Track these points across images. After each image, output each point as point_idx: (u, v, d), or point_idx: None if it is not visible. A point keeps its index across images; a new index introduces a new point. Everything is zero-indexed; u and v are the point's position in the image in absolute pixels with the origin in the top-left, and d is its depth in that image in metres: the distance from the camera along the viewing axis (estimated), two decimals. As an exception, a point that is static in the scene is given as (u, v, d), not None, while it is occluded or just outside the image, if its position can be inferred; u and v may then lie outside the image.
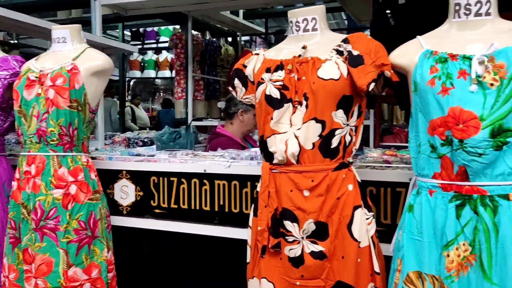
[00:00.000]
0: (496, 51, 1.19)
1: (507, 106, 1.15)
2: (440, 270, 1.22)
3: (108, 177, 2.02)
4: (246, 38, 6.83)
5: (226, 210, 1.85)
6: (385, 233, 1.58)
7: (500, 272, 1.16)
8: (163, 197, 1.94)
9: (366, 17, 3.93)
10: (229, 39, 5.64)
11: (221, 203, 1.86)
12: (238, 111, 2.81)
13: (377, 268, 1.37)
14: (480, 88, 1.18)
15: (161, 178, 1.94)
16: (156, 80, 9.62)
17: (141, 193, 1.98)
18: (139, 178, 1.99)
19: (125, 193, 2.00)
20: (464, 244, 1.20)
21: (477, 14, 1.28)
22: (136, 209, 1.99)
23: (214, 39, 5.04)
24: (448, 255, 1.21)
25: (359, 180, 1.44)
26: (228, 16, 4.74)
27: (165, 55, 8.35)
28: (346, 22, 7.39)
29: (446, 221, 1.22)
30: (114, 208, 2.01)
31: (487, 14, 1.27)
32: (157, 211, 1.95)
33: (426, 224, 1.26)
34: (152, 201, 1.96)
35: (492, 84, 1.17)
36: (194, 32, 4.91)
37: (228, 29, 5.31)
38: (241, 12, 5.10)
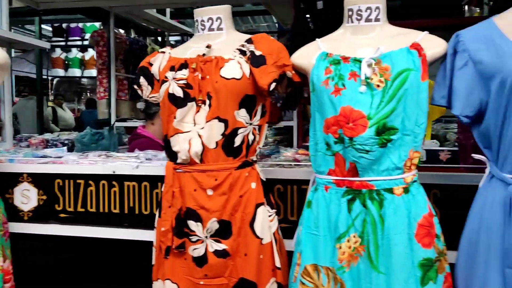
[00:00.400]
0: (382, 54, 1.27)
1: (390, 106, 1.23)
2: (334, 261, 1.28)
3: (7, 181, 1.88)
4: (178, 38, 6.74)
5: (136, 212, 1.81)
6: (291, 229, 1.62)
7: (385, 261, 1.23)
8: (69, 200, 1.85)
9: (291, 21, 4.04)
10: (159, 38, 5.52)
11: (131, 205, 1.81)
12: (158, 111, 2.75)
13: (278, 264, 1.41)
14: (369, 89, 1.26)
15: (66, 181, 1.85)
16: (82, 79, 9.17)
17: (44, 197, 1.87)
18: (42, 181, 1.88)
19: (26, 197, 1.88)
20: (354, 236, 1.27)
21: (368, 19, 1.36)
22: (39, 214, 1.88)
23: (140, 38, 4.92)
24: (340, 247, 1.27)
25: (263, 178, 1.47)
26: (154, 15, 4.64)
27: (92, 53, 7.97)
28: (277, 25, 7.55)
29: (339, 215, 1.29)
30: (14, 214, 1.88)
31: (377, 20, 1.36)
32: (62, 215, 1.85)
33: (322, 218, 1.32)
34: (56, 205, 1.86)
35: (378, 86, 1.25)
36: (121, 31, 4.75)
37: (155, 28, 5.21)
38: (168, 11, 5.03)
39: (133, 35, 4.77)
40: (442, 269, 1.27)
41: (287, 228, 1.61)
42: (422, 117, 1.26)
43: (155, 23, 4.95)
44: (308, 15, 3.34)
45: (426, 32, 1.33)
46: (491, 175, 1.25)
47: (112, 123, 4.08)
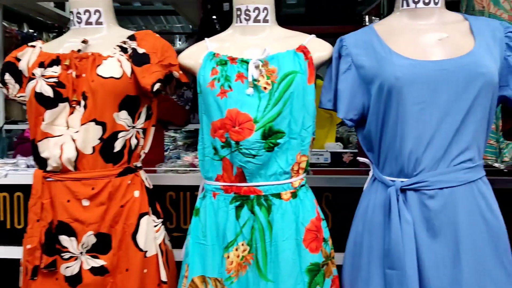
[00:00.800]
0: (269, 56, 1.24)
1: (276, 109, 1.20)
2: (222, 272, 1.22)
3: None
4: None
5: (8, 226, 1.59)
6: (184, 238, 1.54)
7: (274, 268, 1.20)
8: None
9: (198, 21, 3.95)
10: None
11: (1, 218, 1.59)
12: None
13: (164, 277, 1.31)
14: (256, 91, 1.22)
15: None
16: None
17: None
18: None
19: None
20: (242, 244, 1.22)
21: (256, 20, 1.32)
22: None
23: (35, 33, 4.49)
24: (228, 257, 1.21)
25: (148, 186, 1.37)
26: (51, 9, 4.27)
27: (-18, 49, 7.16)
28: (190, 27, 7.41)
29: (227, 222, 1.22)
30: None
31: (265, 21, 1.33)
32: None
33: (209, 227, 1.25)
34: None
35: (265, 88, 1.22)
36: (15, 26, 4.30)
37: (53, 23, 4.80)
38: (68, 5, 4.67)
39: (26, 29, 4.34)
40: (330, 272, 1.27)
41: (180, 237, 1.52)
42: (309, 120, 1.25)
43: (53, 18, 4.56)
44: (214, 17, 3.30)
45: (313, 36, 1.32)
46: (373, 177, 1.27)
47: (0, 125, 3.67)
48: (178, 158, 2.15)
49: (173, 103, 3.06)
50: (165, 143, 3.42)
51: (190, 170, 1.74)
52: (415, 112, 1.12)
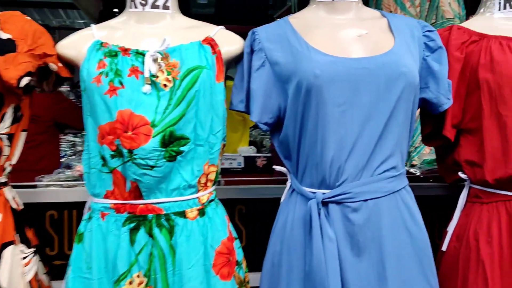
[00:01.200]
0: (170, 48, 1.04)
1: (178, 110, 1.01)
2: (112, 312, 0.98)
3: None
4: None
5: None
6: (69, 267, 1.27)
7: (178, 302, 1.00)
8: None
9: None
10: None
11: None
12: None
13: (35, 323, 1.04)
14: (154, 89, 1.01)
15: None
16: None
17: None
18: None
19: None
20: (138, 276, 1.00)
21: (154, 6, 1.12)
22: None
23: None
24: (120, 293, 0.98)
25: (17, 207, 1.09)
26: None
27: None
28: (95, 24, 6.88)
29: (118, 250, 1.00)
30: None
31: (165, 7, 1.13)
32: None
33: (96, 256, 1.01)
34: None
35: (165, 85, 1.02)
36: None
37: None
38: None
39: None
40: (244, 300, 1.10)
41: (63, 266, 1.24)
42: (218, 124, 1.07)
43: None
44: (116, 10, 3.01)
45: (221, 27, 1.15)
46: (292, 188, 1.13)
47: None
48: (68, 168, 1.84)
49: (70, 104, 2.70)
50: (62, 148, 3.05)
51: (79, 183, 1.46)
52: (336, 114, 1.00)
